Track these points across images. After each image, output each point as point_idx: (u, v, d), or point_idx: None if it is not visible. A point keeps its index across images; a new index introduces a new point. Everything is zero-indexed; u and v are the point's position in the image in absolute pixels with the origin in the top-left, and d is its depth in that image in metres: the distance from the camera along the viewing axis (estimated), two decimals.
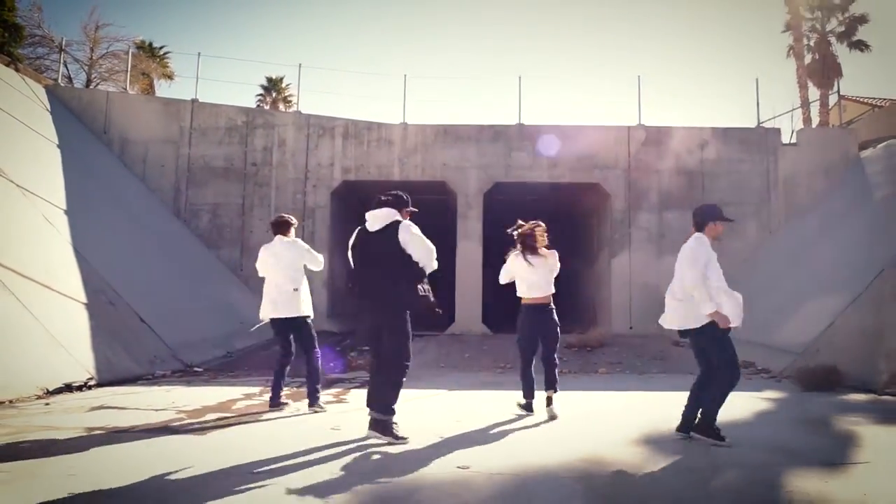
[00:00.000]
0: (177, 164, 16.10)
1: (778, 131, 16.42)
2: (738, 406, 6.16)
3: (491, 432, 5.63)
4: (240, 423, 5.94)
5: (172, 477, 4.11)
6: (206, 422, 6.00)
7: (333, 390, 8.12)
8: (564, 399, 7.04)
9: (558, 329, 6.44)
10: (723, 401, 5.13)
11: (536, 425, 5.95)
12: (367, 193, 17.61)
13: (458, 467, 4.44)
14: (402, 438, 5.11)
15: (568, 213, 19.05)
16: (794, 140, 16.72)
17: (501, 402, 6.92)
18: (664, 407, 6.90)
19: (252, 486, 3.91)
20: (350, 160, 16.17)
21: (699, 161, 16.04)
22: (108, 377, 8.23)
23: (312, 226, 15.92)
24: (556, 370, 6.37)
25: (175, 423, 5.88)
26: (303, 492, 3.81)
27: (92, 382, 7.87)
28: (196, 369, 9.89)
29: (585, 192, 16.98)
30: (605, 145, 16.06)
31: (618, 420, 6.28)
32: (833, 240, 12.98)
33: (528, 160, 16.10)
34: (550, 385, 6.27)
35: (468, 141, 16.21)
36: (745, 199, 15.83)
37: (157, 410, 6.50)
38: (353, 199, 17.34)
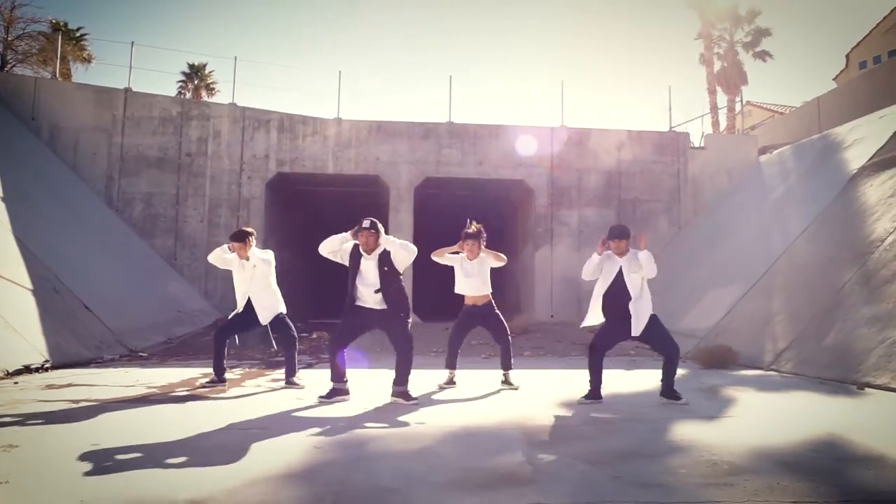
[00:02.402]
0: (109, 153, 16.12)
1: (687, 135, 17.78)
2: (649, 380, 7.13)
3: (435, 398, 6.40)
4: (214, 396, 6.48)
5: (202, 431, 4.72)
6: (181, 395, 6.53)
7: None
8: (498, 377, 7.88)
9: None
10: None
11: (478, 396, 6.75)
12: (302, 185, 18.12)
13: (417, 423, 5.18)
14: (416, 399, 6.23)
15: (495, 208, 19.97)
16: (702, 144, 18.14)
17: (436, 379, 7.67)
18: (580, 382, 7.85)
19: (259, 439, 4.54)
20: (285, 153, 16.57)
21: (616, 161, 17.22)
22: (60, 361, 8.53)
23: (247, 216, 16.24)
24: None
25: (154, 396, 6.40)
26: (295, 440, 4.47)
27: (48, 365, 8.18)
28: (141, 354, 10.23)
29: (511, 188, 17.93)
30: (530, 144, 17.01)
31: (543, 391, 7.13)
32: (733, 236, 14.31)
33: (458, 156, 16.90)
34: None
35: (400, 137, 16.87)
36: (657, 196, 17.12)
37: (127, 386, 6.97)
38: (288, 190, 17.76)
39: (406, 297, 6.50)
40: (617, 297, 6.39)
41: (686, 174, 17.31)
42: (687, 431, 4.99)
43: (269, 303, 7.24)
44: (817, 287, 9.52)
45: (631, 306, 6.33)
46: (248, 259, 7.21)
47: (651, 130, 17.71)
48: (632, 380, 8.05)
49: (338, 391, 6.38)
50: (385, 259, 6.33)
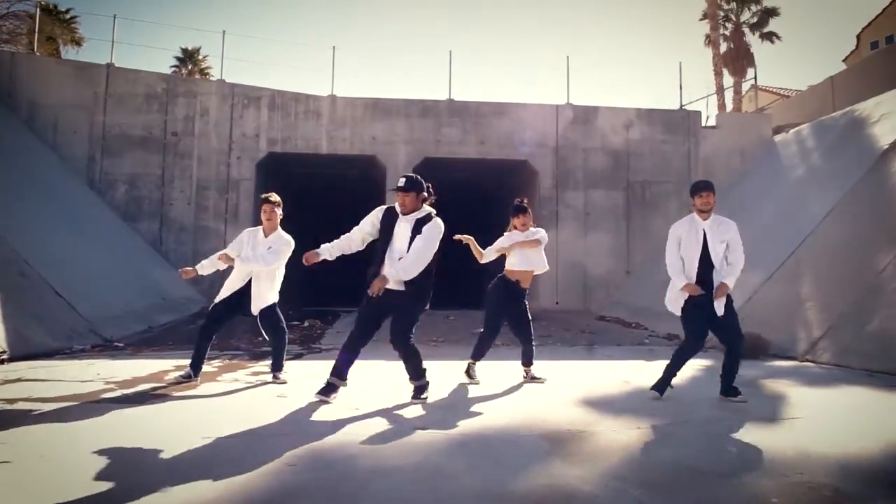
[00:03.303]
0: (91, 132, 15.23)
1: (699, 114, 16.95)
2: (681, 372, 6.32)
3: (444, 398, 5.60)
4: (179, 395, 5.66)
5: (138, 446, 3.88)
6: (139, 393, 5.70)
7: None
8: (508, 369, 7.09)
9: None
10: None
11: (488, 393, 5.96)
12: (295, 166, 17.27)
13: (418, 428, 4.38)
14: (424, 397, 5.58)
15: (497, 190, 19.14)
16: (713, 123, 17.31)
17: (445, 372, 6.88)
18: (598, 374, 7.08)
19: (215, 457, 3.73)
20: (276, 132, 15.71)
21: (624, 141, 16.38)
22: (22, 351, 7.71)
23: (236, 199, 15.42)
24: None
25: (107, 395, 5.56)
26: (264, 454, 3.66)
27: (5, 357, 7.36)
28: (117, 344, 9.41)
29: (514, 169, 17.10)
30: (534, 123, 16.18)
31: (564, 386, 6.35)
32: (750, 218, 13.49)
33: (458, 136, 16.06)
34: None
35: (398, 115, 16.02)
36: (667, 178, 16.29)
37: (83, 382, 6.14)
38: (280, 171, 16.92)
39: (430, 281, 5.44)
40: (700, 269, 5.52)
41: (698, 154, 16.48)
42: (751, 438, 4.18)
43: (269, 292, 6.34)
44: (851, 270, 8.74)
45: (715, 277, 5.48)
46: (266, 236, 6.33)
47: (661, 109, 16.86)
48: (657, 371, 7.27)
49: (332, 388, 5.50)
50: (421, 226, 5.31)
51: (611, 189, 16.18)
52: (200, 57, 37.92)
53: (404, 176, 5.45)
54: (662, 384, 5.65)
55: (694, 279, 5.51)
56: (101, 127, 15.26)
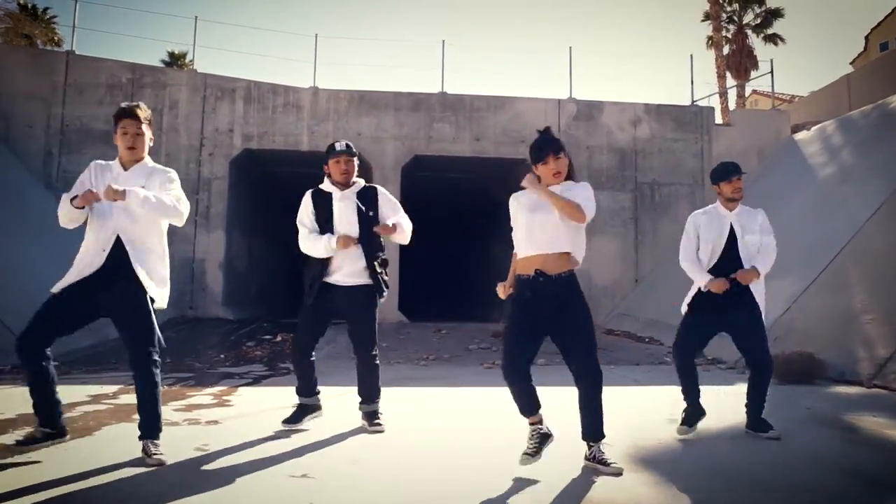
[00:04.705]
0: (48, 126, 13.83)
1: (712, 110, 15.74)
2: (729, 405, 4.97)
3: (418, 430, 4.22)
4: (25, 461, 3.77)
5: None
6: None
7: (216, 388, 6.50)
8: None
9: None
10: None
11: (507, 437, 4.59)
12: (272, 164, 15.91)
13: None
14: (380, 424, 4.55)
15: (494, 190, 17.82)
16: (727, 120, 16.06)
17: (454, 399, 5.52)
18: (628, 405, 5.70)
19: None
20: (252, 126, 14.34)
21: (632, 138, 15.10)
22: None
23: (208, 199, 14.04)
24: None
25: None
26: None
27: None
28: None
29: (513, 167, 15.75)
30: (534, 119, 14.85)
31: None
32: (773, 220, 12.20)
33: (452, 132, 14.74)
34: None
35: (386, 109, 14.69)
36: (679, 179, 15.02)
37: None
38: (256, 170, 15.56)
39: (385, 268, 4.65)
40: (725, 269, 4.41)
41: (711, 154, 15.17)
42: None
43: (157, 268, 3.97)
44: None
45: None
46: (127, 168, 3.97)
47: (671, 104, 15.58)
48: (654, 400, 5.91)
49: (308, 409, 4.54)
50: (368, 199, 4.56)
51: (617, 190, 14.87)
52: (187, 61, 36.66)
53: (342, 141, 4.66)
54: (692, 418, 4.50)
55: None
56: (60, 120, 13.86)
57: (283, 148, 14.44)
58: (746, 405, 4.48)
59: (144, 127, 3.95)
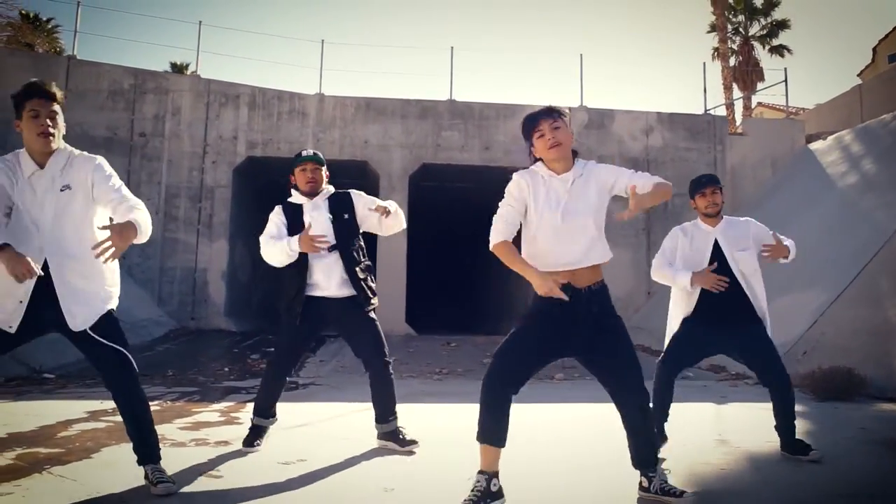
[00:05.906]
0: None
1: (725, 119, 15.45)
2: (768, 424, 4.59)
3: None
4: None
5: None
6: None
7: (223, 405, 6.12)
8: (537, 415, 5.40)
9: None
10: None
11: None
12: (277, 172, 15.57)
13: None
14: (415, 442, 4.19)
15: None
16: (741, 129, 15.78)
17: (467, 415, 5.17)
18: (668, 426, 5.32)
19: None
20: (257, 133, 14.04)
21: (644, 148, 14.80)
22: None
23: (211, 208, 13.72)
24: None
25: None
26: None
27: None
28: (46, 375, 7.65)
29: None
30: None
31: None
32: (791, 232, 11.87)
33: (460, 140, 14.44)
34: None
35: (393, 117, 14.39)
36: None
37: None
38: (260, 178, 15.24)
39: (371, 272, 4.33)
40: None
41: (724, 163, 14.87)
42: None
43: (94, 284, 3.20)
44: None
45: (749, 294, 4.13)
46: (43, 167, 3.16)
47: (684, 113, 15.28)
48: (746, 421, 5.55)
49: (262, 431, 4.18)
50: (341, 204, 4.27)
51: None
52: (190, 73, 36.45)
53: (308, 149, 4.49)
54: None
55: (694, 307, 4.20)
56: None
57: (288, 156, 14.06)
58: (777, 427, 4.11)
59: (58, 108, 3.18)
